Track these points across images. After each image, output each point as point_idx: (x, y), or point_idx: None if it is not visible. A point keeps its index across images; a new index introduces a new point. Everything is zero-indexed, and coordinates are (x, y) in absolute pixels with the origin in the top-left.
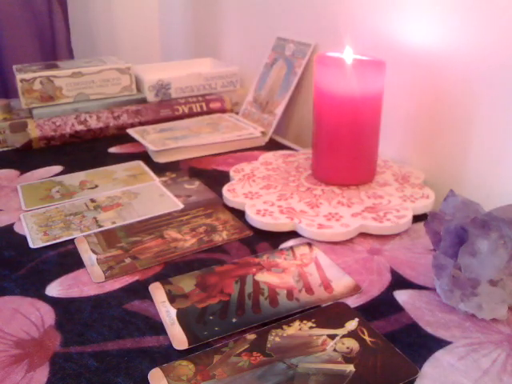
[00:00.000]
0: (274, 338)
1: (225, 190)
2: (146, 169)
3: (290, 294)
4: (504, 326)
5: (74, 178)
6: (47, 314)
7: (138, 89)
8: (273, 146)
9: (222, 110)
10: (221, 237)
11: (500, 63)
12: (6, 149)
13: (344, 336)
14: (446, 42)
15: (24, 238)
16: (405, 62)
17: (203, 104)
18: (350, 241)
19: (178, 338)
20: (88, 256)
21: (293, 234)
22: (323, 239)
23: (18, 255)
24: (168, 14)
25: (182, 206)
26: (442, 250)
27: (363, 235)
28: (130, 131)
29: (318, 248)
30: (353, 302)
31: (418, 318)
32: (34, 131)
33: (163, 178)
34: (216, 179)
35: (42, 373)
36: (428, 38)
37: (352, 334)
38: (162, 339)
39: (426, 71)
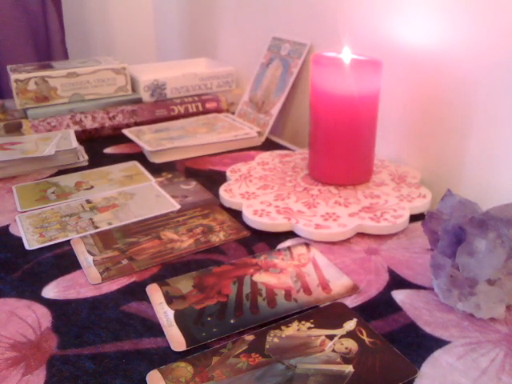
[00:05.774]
0: (273, 338)
1: (221, 190)
2: (142, 169)
3: (287, 295)
4: (502, 326)
5: (70, 179)
6: (44, 316)
7: (134, 89)
8: (269, 145)
9: (218, 110)
10: (218, 237)
11: (497, 63)
12: None
13: (342, 336)
14: (442, 42)
15: (20, 240)
16: (401, 62)
17: (199, 104)
18: (348, 241)
19: (176, 340)
20: (84, 257)
21: (290, 235)
22: (321, 239)
23: (13, 257)
24: (163, 14)
25: (178, 206)
26: (440, 250)
27: (360, 235)
28: (126, 131)
29: (316, 248)
30: (351, 302)
31: (417, 318)
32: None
33: (159, 179)
34: (212, 179)
35: (39, 376)
36: (425, 37)
37: (350, 335)
38: (160, 341)
39: (423, 71)
